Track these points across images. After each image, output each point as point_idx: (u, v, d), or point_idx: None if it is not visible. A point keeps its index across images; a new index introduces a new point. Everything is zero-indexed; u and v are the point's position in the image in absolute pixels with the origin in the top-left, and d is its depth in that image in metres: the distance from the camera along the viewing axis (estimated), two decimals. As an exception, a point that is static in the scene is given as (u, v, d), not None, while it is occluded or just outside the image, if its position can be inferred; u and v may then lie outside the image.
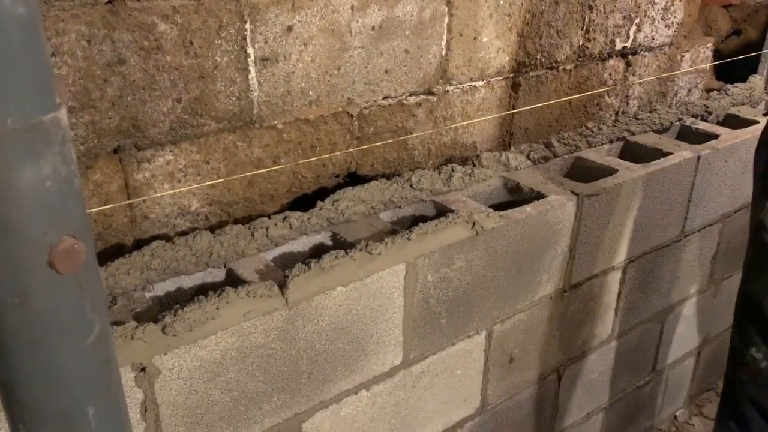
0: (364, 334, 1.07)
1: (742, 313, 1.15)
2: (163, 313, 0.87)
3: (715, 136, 1.66)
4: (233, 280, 1.01)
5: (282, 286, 0.94)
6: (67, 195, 0.36)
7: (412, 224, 1.18)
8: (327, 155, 1.27)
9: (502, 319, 1.30)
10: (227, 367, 0.91)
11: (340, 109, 1.28)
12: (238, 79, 1.13)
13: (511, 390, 1.40)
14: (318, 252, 1.08)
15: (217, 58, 1.09)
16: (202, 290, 0.99)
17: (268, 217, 1.14)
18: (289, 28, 1.15)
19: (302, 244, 1.12)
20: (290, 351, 0.97)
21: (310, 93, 1.22)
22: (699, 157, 1.55)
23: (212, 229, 1.13)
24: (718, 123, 1.81)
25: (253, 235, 1.07)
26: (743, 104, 1.91)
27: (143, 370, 0.83)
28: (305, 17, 1.16)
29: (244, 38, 1.11)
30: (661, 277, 1.65)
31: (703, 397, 2.08)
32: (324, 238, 1.14)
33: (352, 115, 1.30)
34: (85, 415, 0.39)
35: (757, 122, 1.76)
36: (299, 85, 1.20)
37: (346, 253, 1.00)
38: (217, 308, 0.88)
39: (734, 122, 1.79)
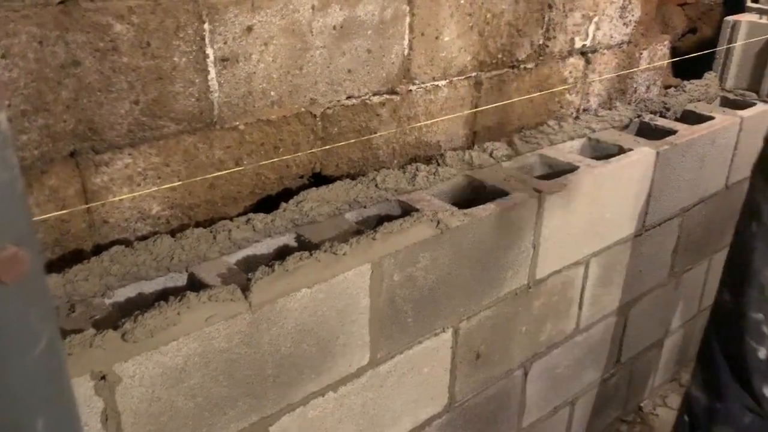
0: (331, 336, 1.06)
1: (728, 257, 1.27)
2: (123, 320, 0.86)
3: (673, 132, 1.69)
4: (195, 285, 1.00)
5: (245, 289, 0.93)
6: (9, 201, 0.35)
7: (377, 224, 1.18)
8: (290, 156, 1.26)
9: (468, 316, 1.31)
10: (190, 373, 0.90)
11: (303, 109, 1.27)
12: (197, 80, 1.11)
13: (479, 386, 1.41)
14: (282, 254, 1.07)
15: (175, 59, 1.08)
16: (164, 295, 0.97)
17: (231, 219, 1.12)
18: (249, 28, 1.14)
19: (266, 247, 1.11)
20: (255, 355, 0.96)
21: (272, 93, 1.21)
22: (658, 153, 1.58)
23: (174, 233, 1.11)
24: (676, 119, 1.85)
25: (215, 238, 1.06)
26: (699, 100, 1.96)
27: (103, 378, 0.82)
28: (265, 17, 1.15)
29: (203, 39, 1.09)
30: (623, 272, 1.67)
31: (666, 388, 2.13)
32: (288, 239, 1.13)
33: (315, 115, 1.29)
34: (35, 428, 0.38)
35: (713, 118, 1.80)
36: (260, 86, 1.19)
37: (311, 254, 1.00)
38: (179, 313, 0.87)
39: (691, 118, 1.83)
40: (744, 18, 2.05)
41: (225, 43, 1.12)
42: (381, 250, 1.08)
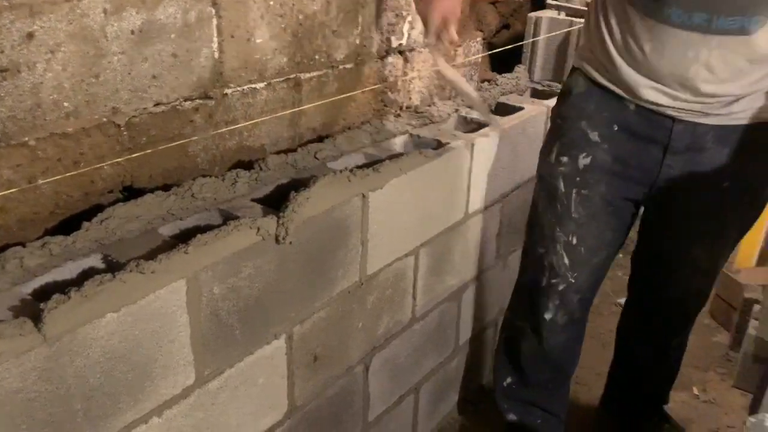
0: (147, 360, 1.00)
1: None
2: None
3: (487, 124, 1.79)
4: (-18, 322, 0.89)
5: (37, 321, 0.85)
6: None
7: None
8: (89, 169, 1.17)
9: (301, 320, 1.30)
10: (-22, 422, 0.81)
11: (105, 119, 1.19)
12: (-29, 94, 1.00)
13: (319, 389, 1.41)
14: (88, 278, 0.99)
15: (-60, 71, 0.96)
16: (-57, 338, 0.86)
17: (23, 245, 1.02)
18: (30, 35, 1.04)
19: (69, 271, 1.02)
20: (58, 391, 0.88)
21: (66, 104, 1.12)
22: (473, 145, 1.67)
23: (-40, 266, 0.99)
24: (491, 111, 1.96)
25: (3, 267, 0.96)
26: (512, 92, 2.09)
27: None
28: (48, 23, 1.06)
29: (-27, 48, 0.98)
30: (451, 259, 1.75)
31: (504, 363, 2.26)
32: (94, 261, 1.05)
33: (119, 125, 1.21)
34: None
35: (522, 108, 1.93)
36: (51, 97, 1.09)
37: (114, 276, 0.93)
38: (-45, 358, 0.77)
39: (504, 110, 1.95)
40: (545, 14, 2.23)
41: (2, 52, 1.01)
42: (196, 264, 1.04)
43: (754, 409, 1.29)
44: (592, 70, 1.41)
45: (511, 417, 1.79)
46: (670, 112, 1.32)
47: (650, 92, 1.31)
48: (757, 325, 2.18)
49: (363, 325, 1.49)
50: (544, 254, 1.54)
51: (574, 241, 1.49)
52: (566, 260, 1.51)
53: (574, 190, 1.45)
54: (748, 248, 2.82)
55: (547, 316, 1.59)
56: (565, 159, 1.45)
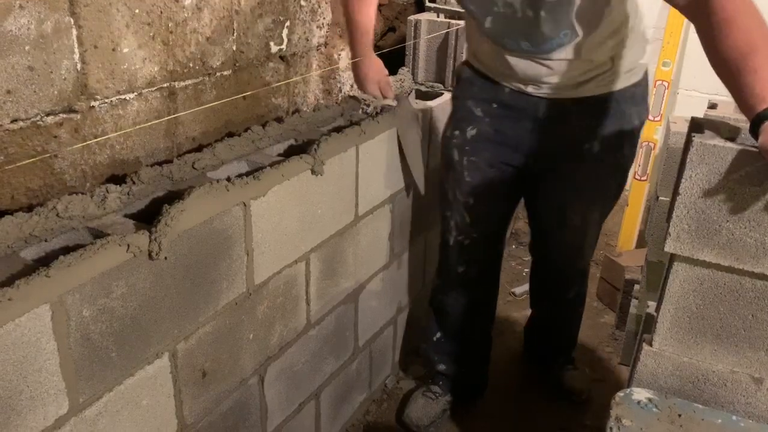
0: (11, 392, 0.94)
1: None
2: None
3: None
4: None
5: None
6: None
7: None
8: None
9: (185, 336, 1.26)
10: None
11: (-46, 139, 1.11)
12: None
13: (211, 404, 1.38)
14: (-63, 310, 0.92)
15: None
16: None
17: None
18: None
19: None
20: None
21: None
22: (358, 147, 1.68)
23: None
24: (377, 113, 1.98)
25: None
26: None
27: None
28: None
29: None
30: (345, 261, 1.76)
31: (407, 361, 2.29)
32: (-55, 292, 0.98)
33: (-29, 144, 1.14)
34: None
35: (407, 110, 1.96)
36: None
37: (-37, 308, 0.87)
38: None
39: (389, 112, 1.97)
40: (424, 17, 2.28)
41: None
42: (60, 287, 0.99)
43: (630, 383, 1.37)
44: (475, 63, 1.72)
45: (441, 367, 2.04)
46: (535, 94, 1.62)
47: (516, 84, 1.63)
48: (637, 304, 2.33)
49: (255, 336, 1.47)
50: (450, 216, 1.81)
51: (471, 201, 1.76)
52: (467, 219, 1.78)
53: (465, 158, 1.72)
54: (628, 232, 3.01)
55: (460, 269, 1.85)
56: (456, 132, 1.73)
